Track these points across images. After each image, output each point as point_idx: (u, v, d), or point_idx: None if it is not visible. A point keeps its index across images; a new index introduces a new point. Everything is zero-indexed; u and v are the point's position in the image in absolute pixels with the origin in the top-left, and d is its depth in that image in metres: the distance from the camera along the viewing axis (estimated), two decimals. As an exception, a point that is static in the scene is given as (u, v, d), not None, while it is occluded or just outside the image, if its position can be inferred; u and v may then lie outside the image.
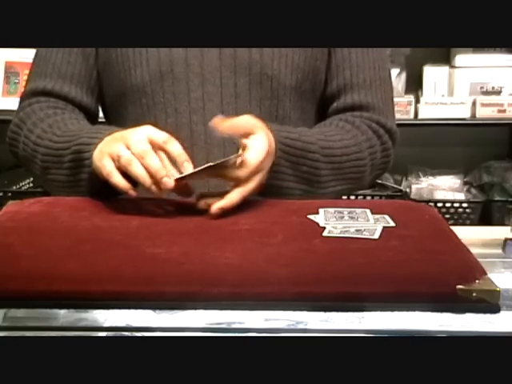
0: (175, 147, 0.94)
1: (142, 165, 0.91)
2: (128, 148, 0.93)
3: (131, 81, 1.15)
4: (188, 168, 0.93)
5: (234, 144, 1.08)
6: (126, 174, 0.94)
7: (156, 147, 0.93)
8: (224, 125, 0.97)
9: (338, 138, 1.13)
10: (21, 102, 1.22)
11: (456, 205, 2.51)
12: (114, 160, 0.94)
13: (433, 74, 2.53)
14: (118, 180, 0.93)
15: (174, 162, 0.94)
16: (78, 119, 1.16)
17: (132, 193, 0.93)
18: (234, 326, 0.72)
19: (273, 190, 1.05)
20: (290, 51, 1.15)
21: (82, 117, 1.20)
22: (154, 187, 0.91)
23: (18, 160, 1.21)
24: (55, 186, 1.12)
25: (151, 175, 0.91)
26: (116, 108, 1.20)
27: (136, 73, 1.15)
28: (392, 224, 0.91)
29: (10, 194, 2.48)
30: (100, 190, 1.02)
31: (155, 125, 0.97)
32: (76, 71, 1.19)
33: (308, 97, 1.20)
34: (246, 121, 0.99)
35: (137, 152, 0.92)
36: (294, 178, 1.07)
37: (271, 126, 1.04)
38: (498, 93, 2.50)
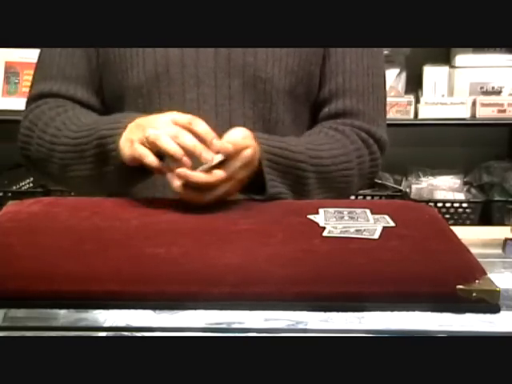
0: (201, 126, 0.96)
1: (178, 144, 0.94)
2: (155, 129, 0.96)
3: (128, 81, 1.16)
4: (217, 144, 0.95)
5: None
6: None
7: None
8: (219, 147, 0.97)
9: (327, 148, 1.13)
10: (27, 106, 1.22)
11: (456, 205, 2.51)
12: (143, 143, 0.97)
13: (433, 74, 2.53)
14: (151, 159, 0.96)
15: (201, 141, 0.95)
16: (89, 113, 1.17)
17: (165, 170, 0.96)
18: (233, 326, 0.72)
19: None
20: (284, 55, 1.15)
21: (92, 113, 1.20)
22: (186, 159, 0.93)
23: (30, 164, 1.21)
24: (78, 182, 1.12)
25: (189, 152, 0.93)
26: (115, 108, 1.21)
27: (132, 73, 1.15)
28: (392, 224, 0.91)
29: (9, 194, 2.48)
30: (126, 181, 1.04)
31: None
32: (80, 73, 1.19)
33: (302, 100, 1.20)
34: (235, 137, 0.99)
35: (166, 132, 0.95)
36: (282, 186, 1.07)
37: (258, 135, 1.04)
38: (498, 93, 2.50)
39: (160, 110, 1.06)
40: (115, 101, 1.19)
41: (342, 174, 1.14)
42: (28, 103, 1.22)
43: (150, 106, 1.14)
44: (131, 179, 1.06)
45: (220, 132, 1.00)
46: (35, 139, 1.16)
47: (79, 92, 1.19)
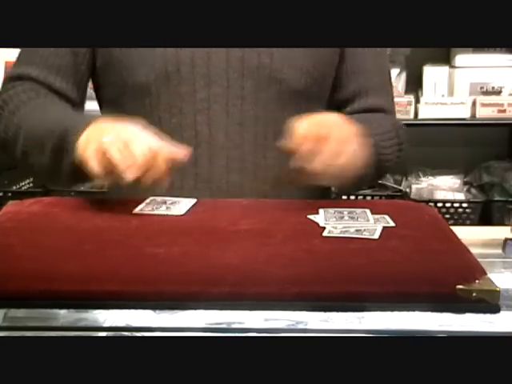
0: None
1: (127, 151, 0.92)
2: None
3: (134, 80, 1.14)
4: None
5: (240, 145, 1.06)
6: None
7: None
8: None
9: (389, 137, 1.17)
10: (4, 85, 1.20)
11: (456, 205, 2.50)
12: (98, 147, 0.94)
13: (433, 74, 2.53)
14: (94, 164, 0.94)
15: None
16: (61, 104, 1.15)
17: (101, 182, 0.96)
18: (233, 326, 0.72)
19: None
20: (299, 56, 1.15)
21: (64, 105, 1.18)
22: (127, 173, 0.91)
23: None
24: (35, 171, 1.12)
25: (130, 161, 0.91)
26: (116, 108, 1.20)
27: (140, 72, 1.13)
28: (392, 224, 0.91)
29: (9, 194, 2.48)
30: (79, 178, 1.02)
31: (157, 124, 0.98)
32: (63, 63, 1.18)
33: (314, 100, 1.20)
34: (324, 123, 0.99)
35: (123, 139, 0.93)
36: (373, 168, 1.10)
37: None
38: (498, 93, 2.50)
39: (169, 110, 1.06)
40: (118, 100, 1.18)
41: (392, 157, 1.18)
42: (5, 82, 1.20)
43: (159, 106, 1.13)
44: (82, 177, 1.03)
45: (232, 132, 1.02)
46: (4, 120, 1.14)
47: (58, 82, 1.17)
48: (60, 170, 1.04)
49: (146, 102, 1.14)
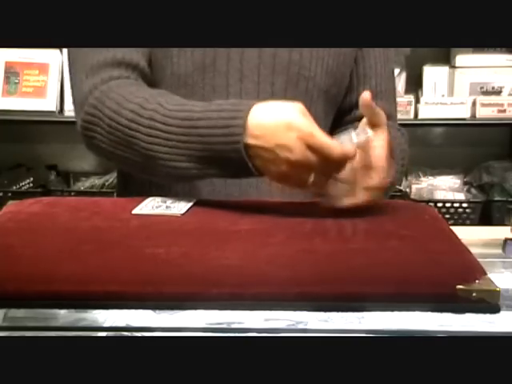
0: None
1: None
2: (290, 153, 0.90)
3: (172, 69, 1.13)
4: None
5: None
6: None
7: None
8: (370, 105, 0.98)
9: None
10: (89, 78, 1.07)
11: (456, 205, 2.51)
12: (283, 168, 0.91)
13: (433, 74, 2.53)
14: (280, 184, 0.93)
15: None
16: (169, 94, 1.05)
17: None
18: (233, 325, 0.72)
19: None
20: (326, 55, 1.17)
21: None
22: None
23: (93, 148, 1.07)
24: (163, 170, 1.00)
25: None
26: None
27: (179, 61, 1.13)
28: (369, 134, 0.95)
29: (9, 194, 2.49)
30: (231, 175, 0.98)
31: None
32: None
33: (333, 101, 1.22)
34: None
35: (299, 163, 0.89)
36: None
37: None
38: (498, 93, 2.50)
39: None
40: (154, 87, 1.13)
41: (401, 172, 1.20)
42: (89, 75, 1.07)
43: (192, 97, 1.09)
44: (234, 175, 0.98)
45: None
46: (106, 119, 1.02)
47: (142, 61, 1.11)
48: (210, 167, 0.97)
49: (182, 92, 1.11)
